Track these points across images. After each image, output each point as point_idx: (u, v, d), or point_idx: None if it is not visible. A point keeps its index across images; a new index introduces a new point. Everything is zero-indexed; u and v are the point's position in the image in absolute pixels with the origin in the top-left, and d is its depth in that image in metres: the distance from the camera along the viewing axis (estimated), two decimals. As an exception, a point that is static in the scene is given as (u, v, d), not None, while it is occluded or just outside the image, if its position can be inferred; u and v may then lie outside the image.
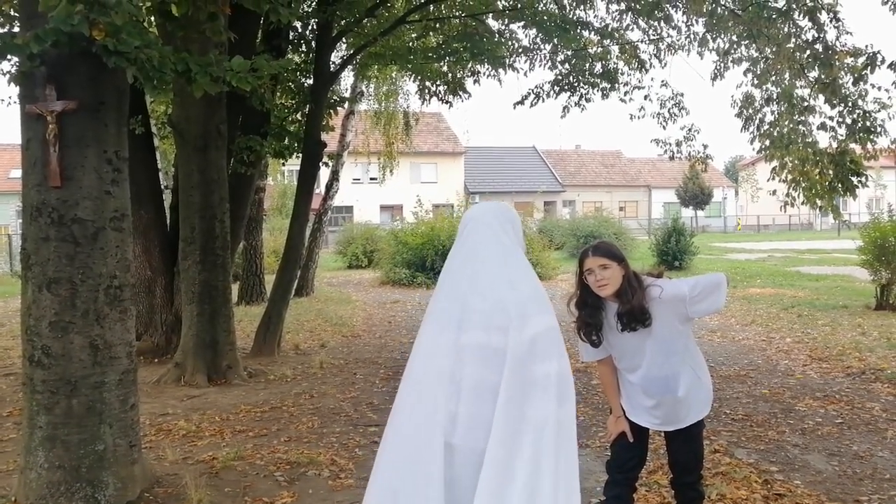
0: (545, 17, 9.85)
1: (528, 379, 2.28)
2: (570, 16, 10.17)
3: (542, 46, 10.67)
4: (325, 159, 9.54)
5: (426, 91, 11.90)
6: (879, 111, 7.72)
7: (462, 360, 2.32)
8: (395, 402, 2.48)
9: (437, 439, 2.27)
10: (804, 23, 7.91)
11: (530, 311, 2.36)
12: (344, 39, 10.32)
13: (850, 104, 7.86)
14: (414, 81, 13.01)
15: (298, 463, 4.67)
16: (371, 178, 38.05)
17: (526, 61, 10.93)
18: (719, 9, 8.51)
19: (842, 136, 8.00)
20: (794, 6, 7.68)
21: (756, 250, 28.12)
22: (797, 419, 5.59)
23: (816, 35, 7.89)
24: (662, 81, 10.08)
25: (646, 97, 10.07)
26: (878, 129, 7.67)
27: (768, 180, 8.73)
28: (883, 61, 7.37)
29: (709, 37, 9.12)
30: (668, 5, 9.00)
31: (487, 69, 11.26)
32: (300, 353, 8.78)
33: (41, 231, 3.76)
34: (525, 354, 2.29)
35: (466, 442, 2.27)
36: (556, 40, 10.06)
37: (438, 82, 11.74)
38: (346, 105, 14.88)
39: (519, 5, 10.15)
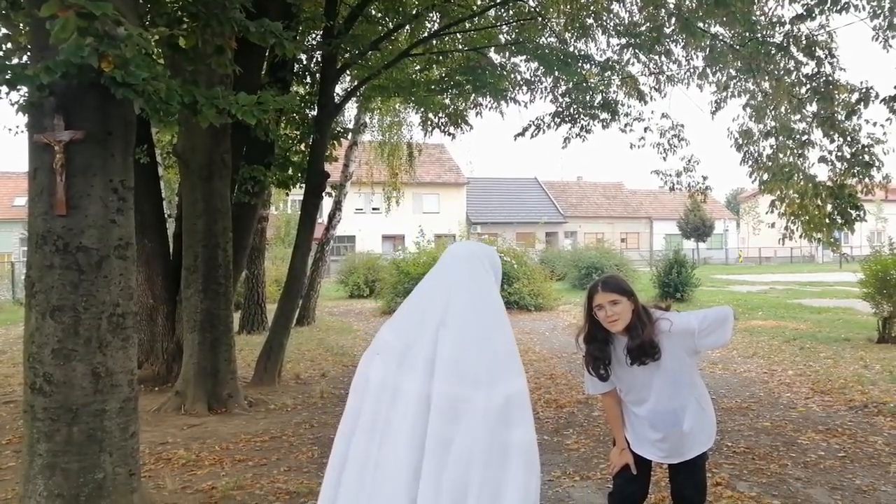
0: (547, 51, 9.99)
1: (505, 444, 2.12)
2: (572, 49, 10.31)
3: (543, 79, 10.81)
4: (327, 189, 9.60)
5: (429, 123, 12.02)
6: (873, 146, 7.80)
7: (426, 412, 2.16)
8: (339, 446, 2.34)
9: (401, 496, 2.14)
10: (802, 58, 8.03)
11: (504, 369, 2.18)
12: (348, 72, 10.45)
13: (848, 138, 7.94)
14: (417, 113, 13.15)
15: (298, 493, 4.65)
16: (373, 208, 38.31)
17: (527, 93, 11.07)
18: (718, 44, 8.63)
19: (840, 169, 8.06)
20: (791, 42, 7.79)
21: (758, 282, 28.08)
22: (799, 452, 5.55)
23: (816, 69, 8.00)
24: (663, 113, 10.21)
25: (646, 129, 10.18)
26: (876, 164, 7.74)
27: (767, 213, 8.78)
28: (877, 96, 7.46)
29: (708, 71, 9.25)
30: (668, 40, 9.13)
31: (489, 101, 11.39)
32: (301, 383, 8.75)
33: (46, 259, 3.78)
34: (498, 417, 2.12)
35: (439, 500, 2.11)
36: (557, 73, 10.19)
37: (441, 114, 11.87)
38: (350, 136, 15.02)
39: (521, 39, 10.30)
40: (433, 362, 2.17)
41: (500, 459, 2.10)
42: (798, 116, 8.49)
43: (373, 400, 2.27)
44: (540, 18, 10.13)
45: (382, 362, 2.28)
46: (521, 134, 10.81)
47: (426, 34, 10.51)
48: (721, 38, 8.63)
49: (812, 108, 8.23)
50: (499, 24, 10.64)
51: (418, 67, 11.56)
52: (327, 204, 14.33)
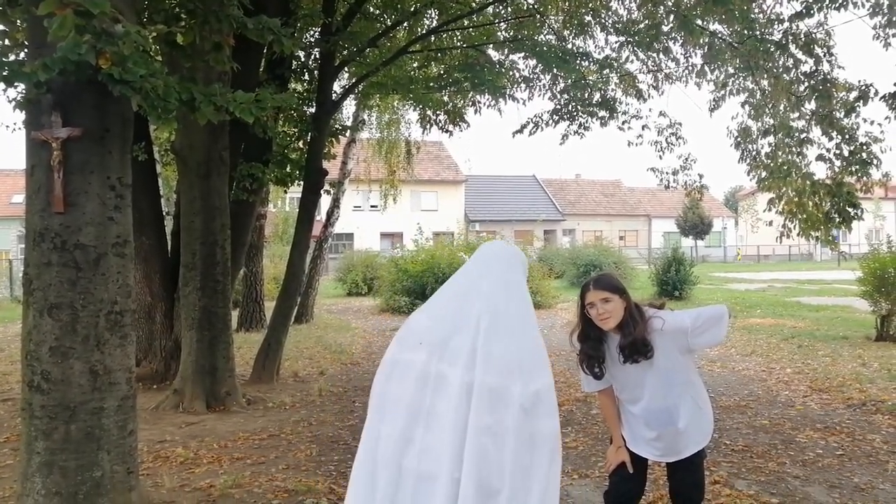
0: (545, 48, 9.98)
1: (534, 433, 2.34)
2: (570, 47, 10.31)
3: (541, 76, 10.80)
4: (326, 187, 9.59)
5: (427, 120, 12.01)
6: (871, 145, 7.80)
7: (468, 400, 2.34)
8: (376, 431, 2.47)
9: (445, 475, 2.30)
10: (801, 55, 8.03)
11: (535, 364, 2.40)
12: (346, 69, 10.44)
13: (846, 136, 7.94)
14: (415, 110, 13.14)
15: (296, 491, 4.65)
16: (372, 206, 38.26)
17: (525, 90, 11.06)
18: (717, 42, 8.63)
19: (838, 167, 8.06)
20: (790, 39, 7.79)
21: (756, 280, 28.11)
22: (798, 450, 5.56)
23: (814, 67, 8.00)
24: (661, 112, 10.19)
25: (644, 127, 10.18)
26: (874, 162, 7.74)
27: (765, 211, 8.79)
28: (876, 94, 7.46)
29: (707, 68, 9.25)
30: (666, 38, 9.12)
31: (488, 99, 11.38)
32: (299, 381, 8.75)
33: (43, 256, 3.78)
34: (531, 407, 2.33)
35: (479, 480, 2.29)
36: (555, 70, 10.19)
37: (439, 111, 11.86)
38: (348, 133, 15.01)
39: (519, 36, 10.29)
40: (475, 354, 2.36)
41: (529, 447, 2.32)
42: (797, 114, 8.50)
43: (413, 388, 2.42)
44: (538, 15, 10.12)
45: (423, 352, 2.44)
46: (520, 131, 10.80)
47: (424, 31, 10.49)
48: (719, 35, 8.62)
49: (811, 105, 8.23)
50: (497, 21, 10.63)
51: (416, 65, 11.55)
52: (325, 201, 14.32)
